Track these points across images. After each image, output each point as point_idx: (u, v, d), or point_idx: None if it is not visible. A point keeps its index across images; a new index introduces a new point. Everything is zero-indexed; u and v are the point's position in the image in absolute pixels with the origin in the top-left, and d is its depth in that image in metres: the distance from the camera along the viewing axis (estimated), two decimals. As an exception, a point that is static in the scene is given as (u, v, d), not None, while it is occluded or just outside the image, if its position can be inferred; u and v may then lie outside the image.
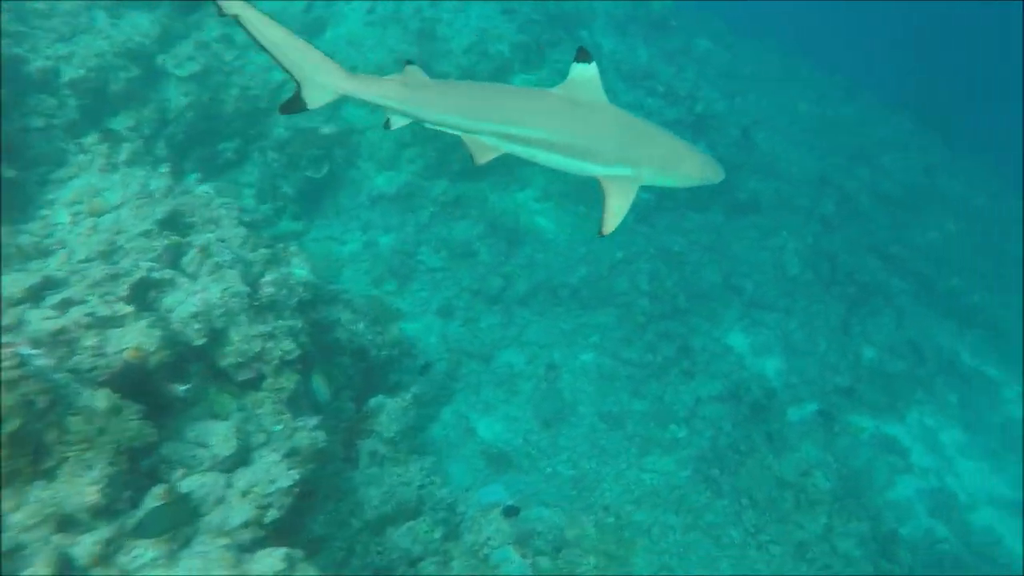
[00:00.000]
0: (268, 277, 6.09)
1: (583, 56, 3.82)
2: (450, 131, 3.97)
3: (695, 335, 11.32)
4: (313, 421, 5.51)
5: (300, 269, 6.54)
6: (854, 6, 31.49)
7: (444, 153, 11.46)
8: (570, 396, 9.71)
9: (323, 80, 3.72)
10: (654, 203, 13.05)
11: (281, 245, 7.04)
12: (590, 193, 12.80)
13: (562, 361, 10.15)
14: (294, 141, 10.46)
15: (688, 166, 4.06)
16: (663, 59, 14.24)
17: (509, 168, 12.37)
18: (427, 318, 9.97)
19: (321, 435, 5.51)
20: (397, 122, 4.02)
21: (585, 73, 3.83)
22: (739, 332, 12.03)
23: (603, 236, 3.95)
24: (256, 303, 5.65)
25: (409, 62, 3.88)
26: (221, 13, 3.39)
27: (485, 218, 11.34)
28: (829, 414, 10.94)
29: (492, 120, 3.89)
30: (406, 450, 6.64)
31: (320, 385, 6.11)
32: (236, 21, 3.45)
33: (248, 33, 3.52)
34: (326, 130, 10.52)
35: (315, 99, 3.77)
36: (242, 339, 5.39)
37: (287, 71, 3.70)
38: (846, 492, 9.50)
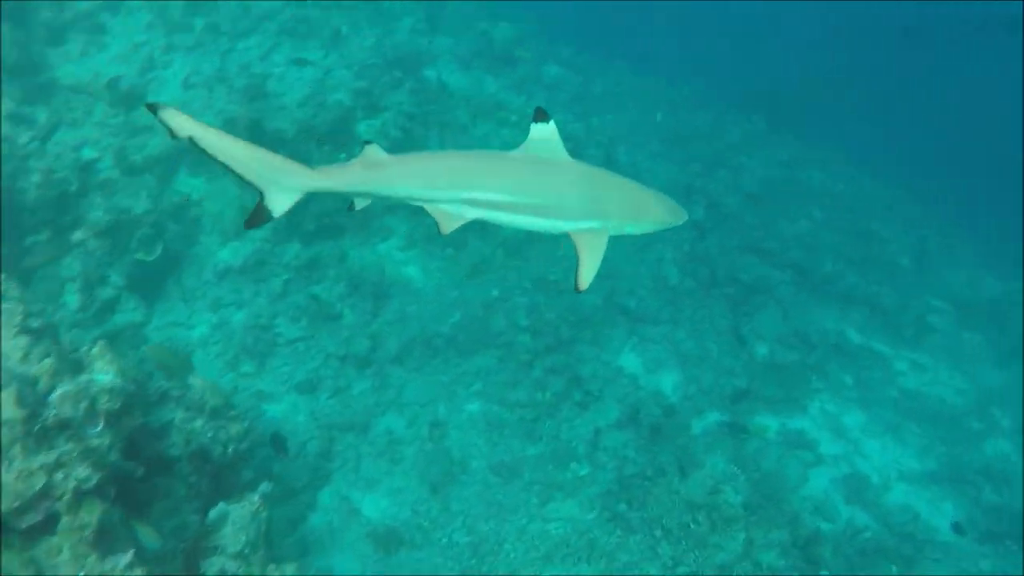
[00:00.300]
0: (60, 391, 5.10)
1: (541, 116, 3.87)
2: (415, 203, 3.88)
3: (584, 363, 10.80)
4: (126, 558, 4.55)
5: (103, 374, 5.55)
6: (692, 20, 32.53)
7: (294, 214, 10.63)
8: (459, 453, 8.95)
9: (289, 182, 3.60)
10: (523, 235, 12.56)
11: (85, 347, 6.02)
12: (453, 233, 12.25)
13: (446, 416, 9.40)
14: (119, 224, 9.44)
15: (654, 212, 4.10)
16: (512, 89, 13.95)
17: (367, 220, 11.68)
18: (291, 396, 9.04)
19: (139, 572, 4.54)
20: (360, 203, 3.91)
21: (544, 132, 3.88)
22: (629, 352, 11.60)
23: (579, 292, 3.97)
24: (39, 427, 4.67)
25: (367, 142, 3.77)
26: (173, 136, 3.30)
27: (345, 276, 10.55)
28: (732, 423, 10.57)
29: (455, 188, 3.83)
30: (263, 560, 5.70)
31: (145, 534, 5.12)
32: (190, 143, 3.33)
33: (205, 153, 3.39)
34: (151, 206, 9.53)
35: (280, 204, 3.63)
36: (18, 476, 4.41)
37: (249, 183, 3.55)
38: (762, 499, 9.11)
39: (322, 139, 10.56)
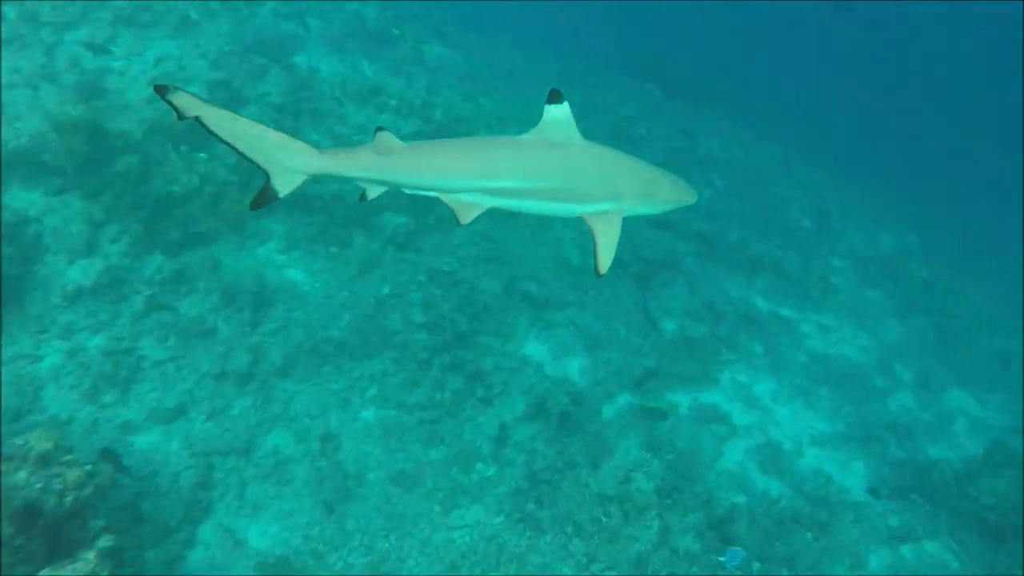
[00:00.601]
0: None
1: (555, 97, 3.78)
2: (429, 194, 3.82)
3: (486, 356, 10.35)
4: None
5: None
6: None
7: (152, 222, 9.80)
8: (354, 466, 8.38)
9: (294, 163, 3.55)
10: (414, 226, 12.02)
11: None
12: (336, 231, 11.62)
13: (339, 428, 8.81)
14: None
15: (666, 191, 4.18)
16: (390, 72, 13.32)
17: (242, 224, 10.90)
18: (161, 424, 8.26)
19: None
20: (373, 192, 3.86)
21: (558, 114, 3.79)
22: (534, 340, 11.23)
23: (600, 275, 4.00)
24: None
25: (380, 128, 3.67)
26: (180, 117, 3.30)
27: (218, 287, 9.75)
28: (644, 405, 10.36)
29: (470, 176, 3.76)
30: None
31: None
32: (197, 122, 3.32)
33: (211, 132, 3.38)
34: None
35: (285, 185, 3.62)
36: None
37: (254, 163, 3.56)
38: (678, 479, 8.92)
39: (178, 140, 9.72)
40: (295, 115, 11.37)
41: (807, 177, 18.63)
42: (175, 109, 3.30)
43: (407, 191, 3.85)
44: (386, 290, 10.77)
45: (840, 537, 8.96)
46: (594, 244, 3.98)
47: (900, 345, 14.67)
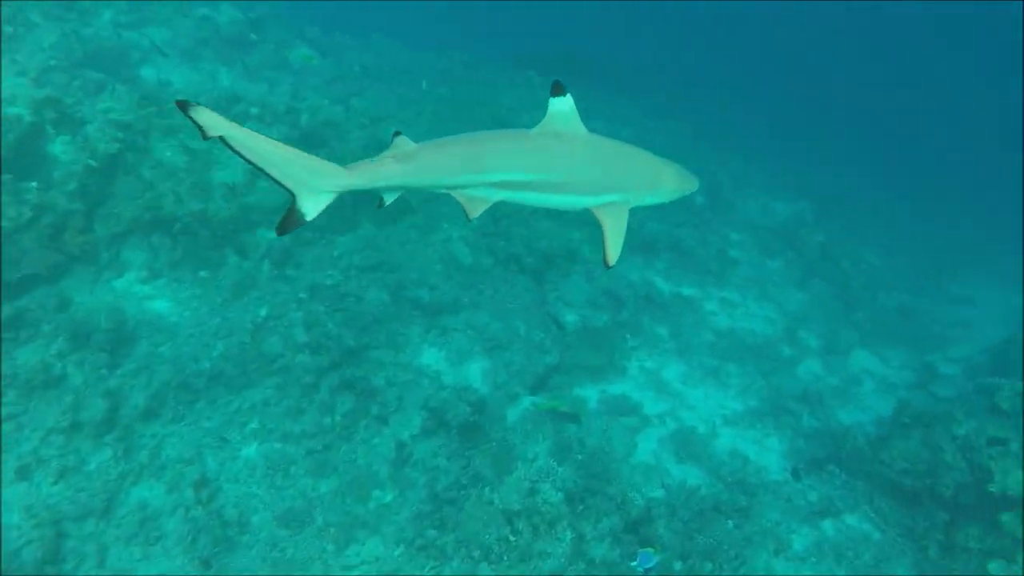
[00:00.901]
0: None
1: (558, 90, 3.80)
2: (443, 191, 3.88)
3: (378, 371, 9.69)
4: None
5: None
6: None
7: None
8: (235, 512, 7.58)
9: (322, 183, 3.49)
10: (290, 241, 11.21)
11: None
12: (204, 253, 10.70)
13: (216, 470, 7.98)
14: None
15: (670, 181, 4.18)
16: (249, 78, 12.42)
17: (94, 256, 9.88)
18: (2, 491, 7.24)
19: None
20: (389, 197, 3.85)
21: (562, 106, 3.82)
22: (429, 347, 10.62)
23: (609, 267, 4.03)
24: None
25: (397, 132, 3.67)
26: (205, 136, 3.24)
27: (66, 329, 8.73)
28: (550, 406, 9.88)
29: (480, 172, 3.80)
30: None
31: None
32: (222, 142, 3.24)
33: (235, 152, 3.30)
34: None
35: (312, 207, 3.53)
36: None
37: (281, 184, 3.46)
38: (590, 480, 8.48)
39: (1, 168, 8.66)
40: (144, 133, 10.38)
41: (697, 151, 18.57)
42: (199, 127, 3.21)
43: (425, 193, 3.93)
44: (264, 312, 9.94)
45: (761, 521, 8.71)
46: (602, 236, 3.96)
47: (803, 312, 14.74)
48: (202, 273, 10.44)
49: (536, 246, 12.68)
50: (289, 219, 3.52)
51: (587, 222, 14.04)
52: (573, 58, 20.89)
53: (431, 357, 10.47)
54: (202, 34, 13.12)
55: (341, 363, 9.55)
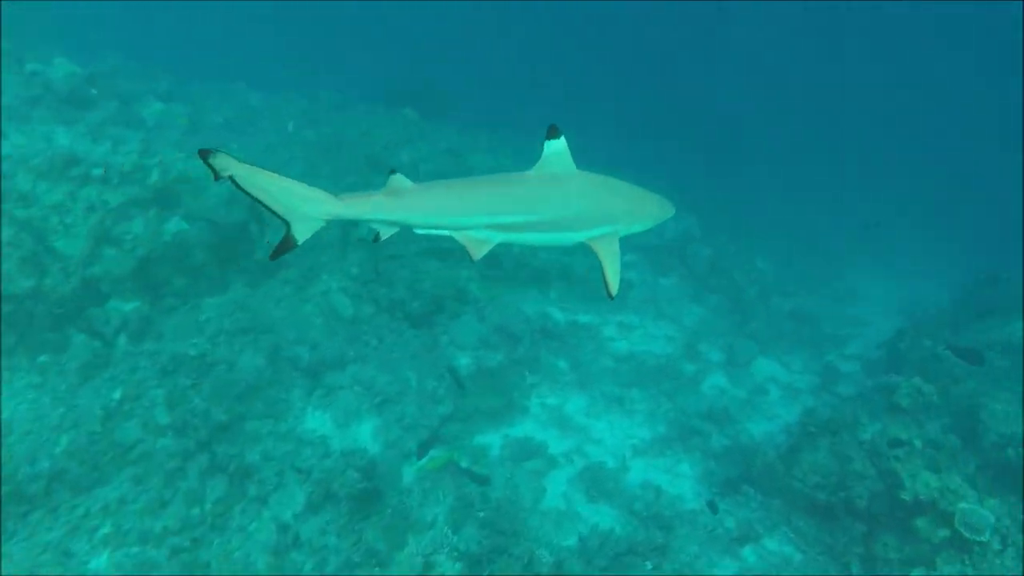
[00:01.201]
0: None
1: (553, 133, 4.03)
2: (441, 232, 4.00)
3: (254, 445, 8.80)
4: None
5: None
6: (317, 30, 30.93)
7: None
8: (84, 638, 6.52)
9: (313, 211, 3.68)
10: (148, 310, 10.19)
11: None
12: (42, 335, 9.54)
13: (60, 591, 6.87)
14: None
15: (653, 209, 4.42)
16: (93, 138, 11.34)
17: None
18: None
19: None
20: (386, 232, 4.01)
21: (556, 148, 4.04)
22: (314, 410, 9.80)
23: (612, 298, 4.14)
24: None
25: (393, 171, 3.88)
26: (217, 178, 3.43)
27: None
28: (449, 460, 9.18)
29: (478, 214, 3.95)
30: None
31: None
32: (231, 182, 3.45)
33: (242, 190, 3.50)
34: None
35: (304, 232, 3.74)
36: None
37: (277, 214, 3.67)
38: (496, 538, 7.82)
39: None
40: (-38, 206, 9.21)
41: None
42: (213, 170, 3.38)
43: (419, 231, 3.94)
44: (118, 394, 8.91)
45: (680, 556, 8.24)
46: (601, 268, 4.13)
47: (702, 326, 14.60)
48: (41, 358, 9.31)
49: (422, 288, 12.03)
50: (283, 245, 3.69)
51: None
52: (445, 93, 20.47)
53: (316, 421, 9.63)
54: (34, 93, 11.96)
55: (210, 442, 8.61)
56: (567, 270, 14.08)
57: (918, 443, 8.51)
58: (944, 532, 7.72)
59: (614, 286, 4.13)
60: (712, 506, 8.84)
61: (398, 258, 12.60)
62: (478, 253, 4.00)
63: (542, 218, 4.00)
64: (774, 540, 8.68)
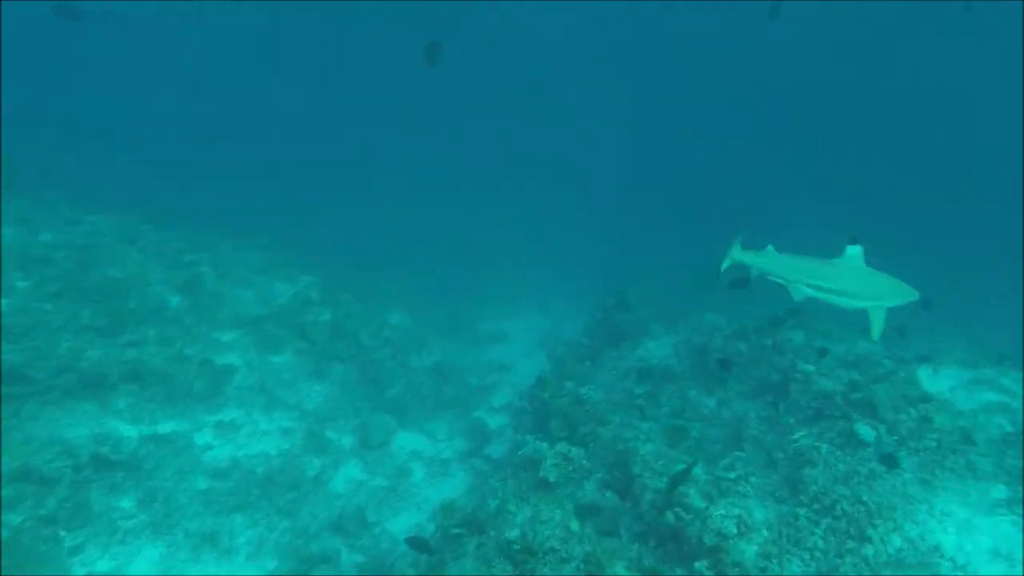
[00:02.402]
0: None
1: (852, 241, 6.73)
2: (782, 281, 7.00)
3: None
4: None
5: None
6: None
7: None
8: None
9: (730, 252, 7.26)
10: None
11: None
12: None
13: None
14: None
15: (904, 292, 6.68)
16: None
17: None
18: None
19: None
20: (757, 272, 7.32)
21: (854, 250, 6.75)
22: None
23: (875, 341, 7.06)
24: None
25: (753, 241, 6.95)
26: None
27: None
28: None
29: (805, 277, 6.87)
30: None
31: None
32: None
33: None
34: None
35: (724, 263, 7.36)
36: None
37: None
38: None
39: None
40: None
41: (162, 244, 14.85)
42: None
43: (776, 279, 6.99)
44: None
45: None
46: (871, 324, 6.69)
47: (328, 407, 12.21)
48: None
49: None
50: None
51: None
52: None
53: None
54: None
55: None
56: (138, 367, 10.72)
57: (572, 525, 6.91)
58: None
59: (877, 334, 6.74)
60: None
61: None
62: (799, 295, 6.86)
63: (841, 288, 6.77)
64: None
